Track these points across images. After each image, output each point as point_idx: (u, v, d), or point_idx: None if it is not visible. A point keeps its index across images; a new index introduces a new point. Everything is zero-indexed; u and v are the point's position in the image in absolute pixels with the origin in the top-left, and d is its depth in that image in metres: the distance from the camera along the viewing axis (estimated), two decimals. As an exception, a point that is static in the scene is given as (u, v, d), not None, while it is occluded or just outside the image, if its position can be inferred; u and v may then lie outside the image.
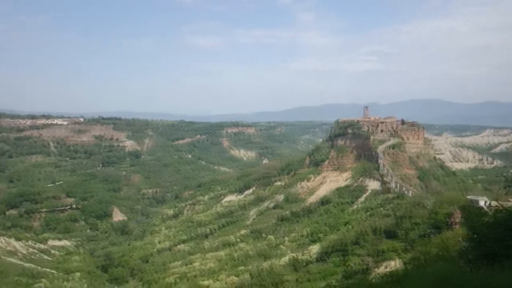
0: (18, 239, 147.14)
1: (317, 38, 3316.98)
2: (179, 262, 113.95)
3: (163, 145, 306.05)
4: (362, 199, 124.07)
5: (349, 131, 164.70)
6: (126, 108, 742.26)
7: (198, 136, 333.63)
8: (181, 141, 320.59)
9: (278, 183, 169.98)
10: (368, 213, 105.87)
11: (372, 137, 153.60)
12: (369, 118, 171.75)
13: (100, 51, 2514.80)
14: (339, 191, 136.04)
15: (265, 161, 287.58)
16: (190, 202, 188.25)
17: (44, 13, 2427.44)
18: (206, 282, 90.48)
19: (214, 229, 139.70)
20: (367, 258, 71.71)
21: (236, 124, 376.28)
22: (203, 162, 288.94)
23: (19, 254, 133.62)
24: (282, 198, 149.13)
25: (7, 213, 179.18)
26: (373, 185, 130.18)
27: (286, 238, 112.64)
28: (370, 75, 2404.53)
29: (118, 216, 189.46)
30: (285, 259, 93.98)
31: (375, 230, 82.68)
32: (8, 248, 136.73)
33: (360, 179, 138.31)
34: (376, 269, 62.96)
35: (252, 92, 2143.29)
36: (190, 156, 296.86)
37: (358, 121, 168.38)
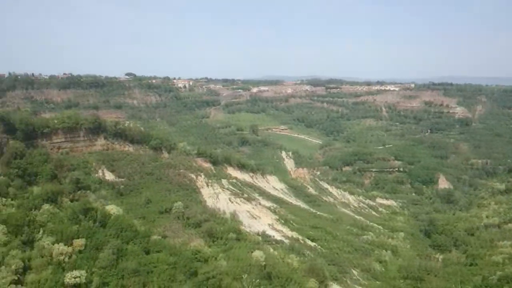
0: (351, 193, 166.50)
1: None
2: (510, 242, 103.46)
3: (497, 113, 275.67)
4: None
5: None
6: (458, 73, 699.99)
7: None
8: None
9: None
10: None
11: None
12: None
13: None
14: None
15: None
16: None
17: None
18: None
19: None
20: None
21: None
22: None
23: (351, 206, 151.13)
24: None
25: (343, 169, 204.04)
26: None
27: None
28: None
29: (443, 183, 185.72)
30: None
31: None
32: (343, 200, 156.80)
33: None
34: None
35: None
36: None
37: None
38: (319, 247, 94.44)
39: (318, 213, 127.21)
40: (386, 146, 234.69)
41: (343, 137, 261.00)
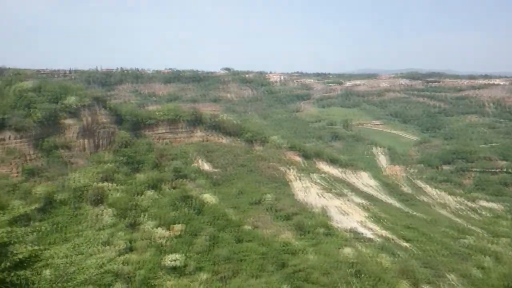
0: (449, 193, 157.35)
1: None
2: None
3: None
4: None
5: None
6: None
7: None
8: None
9: None
10: None
11: None
12: None
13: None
14: None
15: None
16: None
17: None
18: None
19: None
20: None
21: None
22: None
23: (449, 207, 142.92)
24: None
25: (441, 168, 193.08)
26: None
27: None
28: None
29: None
30: None
31: None
32: (440, 200, 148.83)
33: None
34: None
35: None
36: None
37: None
38: (413, 248, 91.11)
39: (413, 212, 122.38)
40: (490, 144, 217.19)
41: (442, 133, 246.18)
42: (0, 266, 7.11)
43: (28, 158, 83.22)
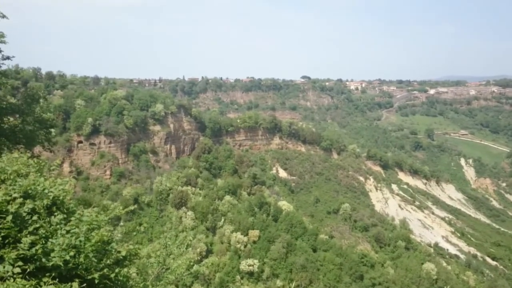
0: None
1: None
2: None
3: None
4: None
5: None
6: None
7: None
8: None
9: None
10: None
11: None
12: None
13: None
14: None
15: None
16: None
17: None
18: None
19: None
20: None
21: None
22: None
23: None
24: None
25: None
26: None
27: None
28: None
29: None
30: None
31: None
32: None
33: None
34: None
35: None
36: None
37: None
38: (502, 267, 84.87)
39: (502, 229, 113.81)
40: None
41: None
42: (105, 263, 7.99)
43: (119, 161, 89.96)
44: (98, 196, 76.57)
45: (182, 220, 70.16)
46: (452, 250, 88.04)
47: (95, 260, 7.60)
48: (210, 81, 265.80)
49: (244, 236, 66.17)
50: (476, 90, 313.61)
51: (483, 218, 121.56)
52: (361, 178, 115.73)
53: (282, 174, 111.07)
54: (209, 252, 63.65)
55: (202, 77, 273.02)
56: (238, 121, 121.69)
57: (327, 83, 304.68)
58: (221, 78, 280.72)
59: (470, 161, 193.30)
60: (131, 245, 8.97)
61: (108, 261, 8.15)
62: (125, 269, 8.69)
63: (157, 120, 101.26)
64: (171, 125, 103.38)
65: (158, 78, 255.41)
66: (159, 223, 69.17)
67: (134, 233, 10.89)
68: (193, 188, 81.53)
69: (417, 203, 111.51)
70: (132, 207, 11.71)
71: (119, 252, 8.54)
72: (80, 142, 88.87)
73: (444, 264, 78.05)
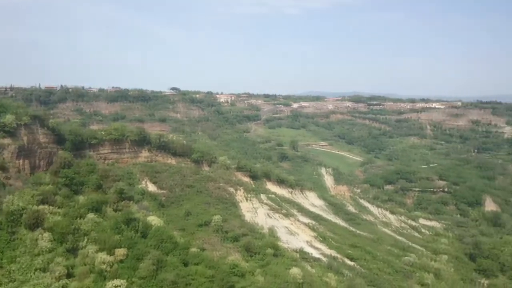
0: (392, 212, 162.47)
1: None
2: None
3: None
4: None
5: None
6: (507, 92, 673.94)
7: None
8: None
9: None
10: None
11: None
12: None
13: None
14: None
15: None
16: None
17: None
18: None
19: None
20: None
21: None
22: None
23: (392, 226, 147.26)
24: None
25: (385, 187, 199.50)
26: None
27: None
28: None
29: (490, 205, 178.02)
30: None
31: None
32: (383, 219, 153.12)
33: None
34: None
35: None
36: None
37: None
38: (358, 266, 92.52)
39: (358, 231, 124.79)
40: (430, 165, 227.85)
41: (385, 155, 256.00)
42: None
43: (-43, 180, 77.22)
44: None
45: (38, 242, 62.55)
46: (315, 254, 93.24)
47: None
48: (70, 90, 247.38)
49: (110, 255, 61.56)
50: (334, 105, 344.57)
51: (341, 222, 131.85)
52: (232, 189, 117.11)
53: (152, 188, 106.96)
54: (70, 276, 57.57)
55: (61, 86, 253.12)
56: (103, 133, 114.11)
57: (197, 95, 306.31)
58: (83, 87, 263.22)
59: (330, 170, 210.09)
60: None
61: None
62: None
63: (7, 133, 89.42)
64: (24, 138, 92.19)
65: (10, 86, 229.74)
66: (10, 247, 60.64)
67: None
68: (51, 207, 73.42)
69: (284, 211, 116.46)
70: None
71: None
72: None
73: (309, 267, 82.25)
